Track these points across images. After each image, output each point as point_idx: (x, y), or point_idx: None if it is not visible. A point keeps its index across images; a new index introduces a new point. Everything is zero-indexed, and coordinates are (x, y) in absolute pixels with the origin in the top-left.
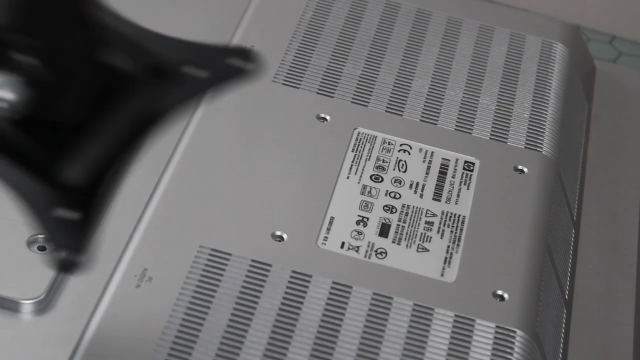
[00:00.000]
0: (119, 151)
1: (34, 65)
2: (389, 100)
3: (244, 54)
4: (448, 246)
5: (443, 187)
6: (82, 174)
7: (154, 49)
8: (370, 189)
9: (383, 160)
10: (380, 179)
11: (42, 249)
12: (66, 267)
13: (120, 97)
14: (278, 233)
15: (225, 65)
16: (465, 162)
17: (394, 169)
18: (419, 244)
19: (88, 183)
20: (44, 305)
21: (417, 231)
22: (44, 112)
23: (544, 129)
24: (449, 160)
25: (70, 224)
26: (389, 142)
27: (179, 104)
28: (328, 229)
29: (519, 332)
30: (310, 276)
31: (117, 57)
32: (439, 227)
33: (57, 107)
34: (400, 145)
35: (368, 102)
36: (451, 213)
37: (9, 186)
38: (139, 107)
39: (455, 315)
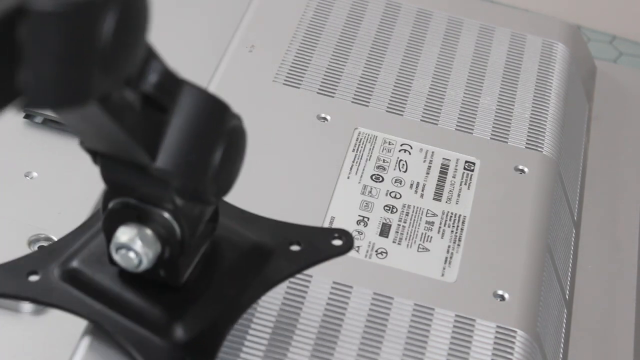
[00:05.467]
0: (227, 307)
1: (169, 225)
2: (390, 100)
3: (346, 235)
4: (448, 246)
5: (443, 187)
6: (196, 328)
7: (266, 232)
8: (371, 188)
9: (383, 160)
10: (380, 179)
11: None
12: None
13: (229, 264)
14: None
15: (329, 245)
16: (466, 162)
17: (394, 169)
18: (419, 244)
19: (201, 336)
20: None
21: (417, 231)
22: (161, 269)
23: (544, 129)
24: (449, 160)
25: None
26: (389, 142)
27: (283, 274)
28: None
29: (519, 332)
30: (311, 276)
31: (234, 236)
32: (440, 227)
33: (175, 268)
34: (401, 145)
35: (369, 102)
36: (452, 213)
37: (123, 341)
38: (246, 273)
39: (456, 315)
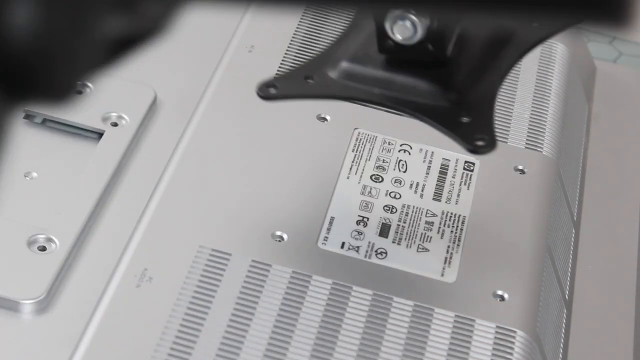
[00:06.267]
0: (490, 73)
1: None
2: None
3: None
4: (448, 246)
5: (443, 187)
6: (467, 91)
7: None
8: (371, 189)
9: (383, 160)
10: (380, 179)
11: (42, 249)
12: (481, 149)
13: (482, 40)
14: (278, 233)
15: None
16: (466, 162)
17: (394, 169)
18: (419, 244)
19: (474, 98)
20: (44, 305)
21: (417, 231)
22: (429, 43)
23: (544, 129)
24: (449, 160)
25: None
26: (389, 142)
27: (532, 40)
28: (328, 229)
29: (519, 332)
30: (310, 276)
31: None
32: (439, 227)
33: (442, 37)
34: (401, 145)
35: None
36: (451, 213)
37: (408, 110)
38: (499, 45)
39: (456, 316)
